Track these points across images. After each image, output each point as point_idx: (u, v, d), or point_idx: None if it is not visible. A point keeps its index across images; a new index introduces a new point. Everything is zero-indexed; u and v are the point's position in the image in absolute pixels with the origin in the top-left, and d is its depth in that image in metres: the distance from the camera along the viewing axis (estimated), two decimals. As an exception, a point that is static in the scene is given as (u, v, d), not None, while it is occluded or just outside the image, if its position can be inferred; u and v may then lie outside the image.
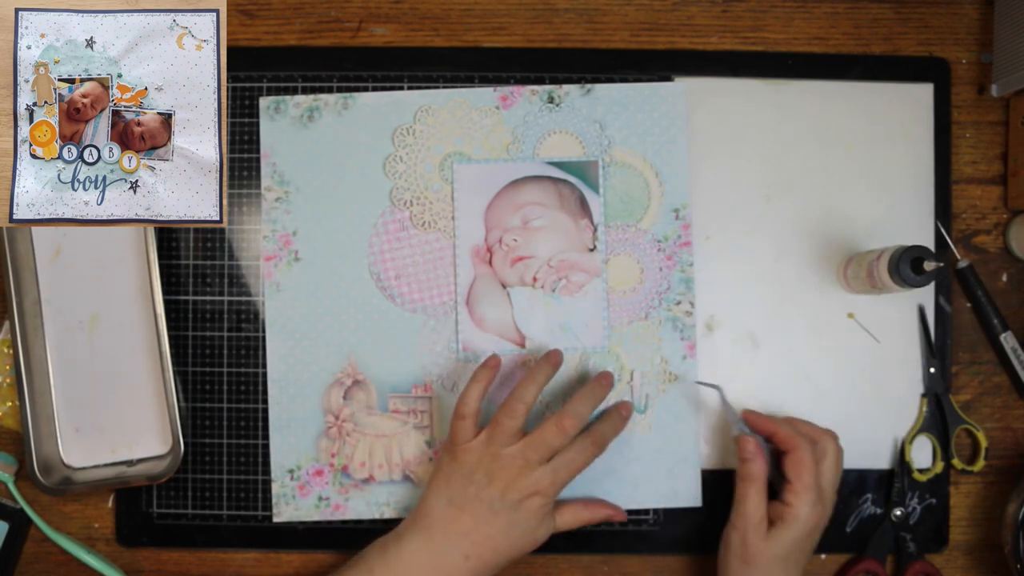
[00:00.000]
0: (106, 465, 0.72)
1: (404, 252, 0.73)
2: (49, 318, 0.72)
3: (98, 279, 0.72)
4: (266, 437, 0.72)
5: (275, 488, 0.72)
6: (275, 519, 0.72)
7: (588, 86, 0.73)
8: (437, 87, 0.74)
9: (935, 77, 0.75)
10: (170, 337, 0.73)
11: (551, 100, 0.73)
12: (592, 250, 0.73)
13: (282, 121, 0.73)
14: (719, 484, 0.72)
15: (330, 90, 0.74)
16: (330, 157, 0.73)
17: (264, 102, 0.73)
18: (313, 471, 0.72)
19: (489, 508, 0.63)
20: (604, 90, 0.73)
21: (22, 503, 0.72)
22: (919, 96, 0.74)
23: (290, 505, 0.72)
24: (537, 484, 0.63)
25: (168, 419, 0.70)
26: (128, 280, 0.72)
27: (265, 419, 0.72)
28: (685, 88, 0.73)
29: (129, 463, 0.72)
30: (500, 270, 0.72)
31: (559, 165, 0.73)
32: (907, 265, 0.64)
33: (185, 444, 0.71)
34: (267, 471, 0.72)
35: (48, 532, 0.71)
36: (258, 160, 0.73)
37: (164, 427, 0.72)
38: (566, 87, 0.74)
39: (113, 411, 0.72)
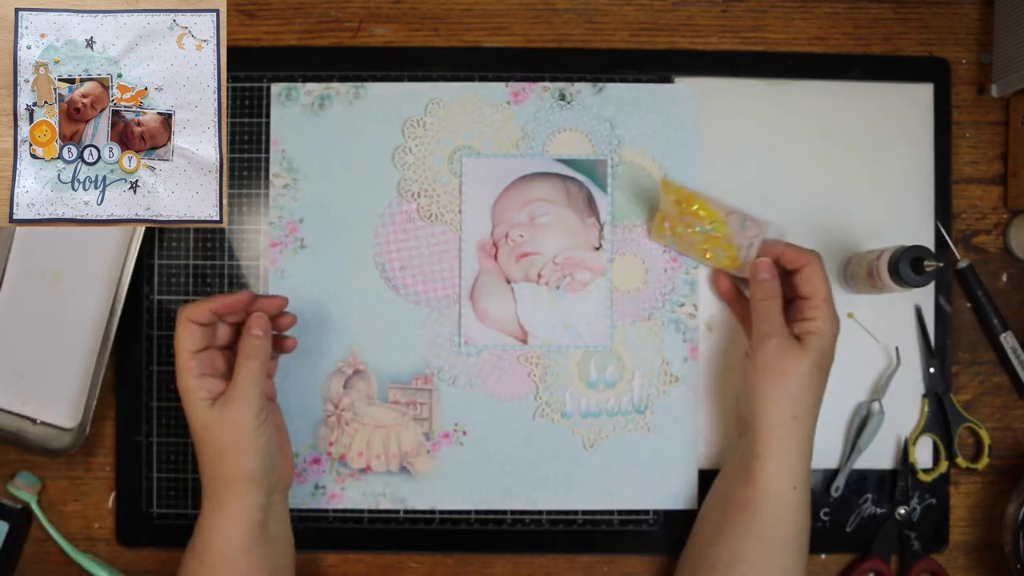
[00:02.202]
0: (10, 413, 0.72)
1: (410, 243, 0.73)
2: (14, 259, 0.73)
3: (71, 238, 0.73)
4: (266, 437, 0.72)
5: None
6: (271, 507, 0.72)
7: (600, 85, 0.74)
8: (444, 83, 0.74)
9: (935, 77, 0.75)
10: (169, 337, 0.72)
11: (562, 97, 0.73)
12: (598, 249, 0.73)
13: (293, 108, 0.73)
14: (719, 484, 0.73)
15: (330, 90, 0.74)
16: (339, 146, 0.73)
17: (275, 88, 0.73)
18: (311, 459, 0.72)
19: None
20: (615, 89, 0.74)
21: (45, 524, 0.72)
22: (919, 96, 0.74)
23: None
24: None
25: (85, 400, 0.70)
26: (100, 265, 0.73)
27: (265, 419, 0.72)
28: (696, 90, 0.73)
29: (33, 421, 0.72)
30: (505, 265, 0.72)
31: (568, 163, 0.73)
32: (907, 265, 0.64)
33: (184, 444, 0.71)
34: (267, 471, 0.72)
35: (65, 546, 0.71)
36: (258, 160, 0.73)
37: (79, 404, 0.72)
38: (578, 85, 0.74)
39: (38, 367, 0.73)
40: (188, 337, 0.63)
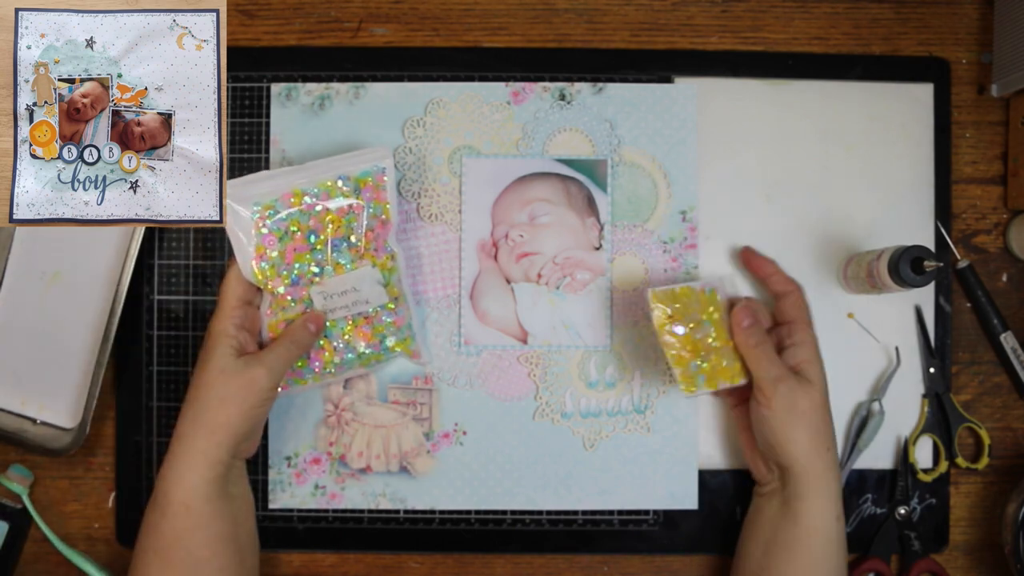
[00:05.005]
0: (10, 413, 0.72)
1: (410, 244, 0.73)
2: (14, 259, 0.73)
3: (70, 238, 0.73)
4: (265, 438, 0.72)
5: (271, 475, 0.72)
6: (270, 506, 0.72)
7: (600, 85, 0.74)
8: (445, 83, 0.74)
9: (935, 77, 0.75)
10: (170, 337, 0.73)
11: (562, 97, 0.73)
12: (598, 249, 0.73)
13: (293, 108, 0.73)
14: (717, 485, 0.73)
15: (330, 90, 0.74)
16: (339, 146, 0.73)
17: (276, 88, 0.73)
18: (311, 459, 0.72)
19: None
20: (615, 89, 0.74)
21: (34, 515, 0.72)
22: (919, 96, 0.74)
23: (286, 492, 0.72)
24: None
25: (85, 399, 0.70)
26: (100, 265, 0.73)
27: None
28: (696, 90, 0.73)
29: (33, 421, 0.72)
30: (505, 265, 0.72)
31: (568, 163, 0.73)
32: (907, 265, 0.64)
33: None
34: (265, 471, 0.72)
35: (55, 541, 0.71)
36: (258, 160, 0.73)
37: (79, 404, 0.72)
38: (578, 85, 0.74)
39: (38, 367, 0.73)
40: (239, 286, 0.66)
